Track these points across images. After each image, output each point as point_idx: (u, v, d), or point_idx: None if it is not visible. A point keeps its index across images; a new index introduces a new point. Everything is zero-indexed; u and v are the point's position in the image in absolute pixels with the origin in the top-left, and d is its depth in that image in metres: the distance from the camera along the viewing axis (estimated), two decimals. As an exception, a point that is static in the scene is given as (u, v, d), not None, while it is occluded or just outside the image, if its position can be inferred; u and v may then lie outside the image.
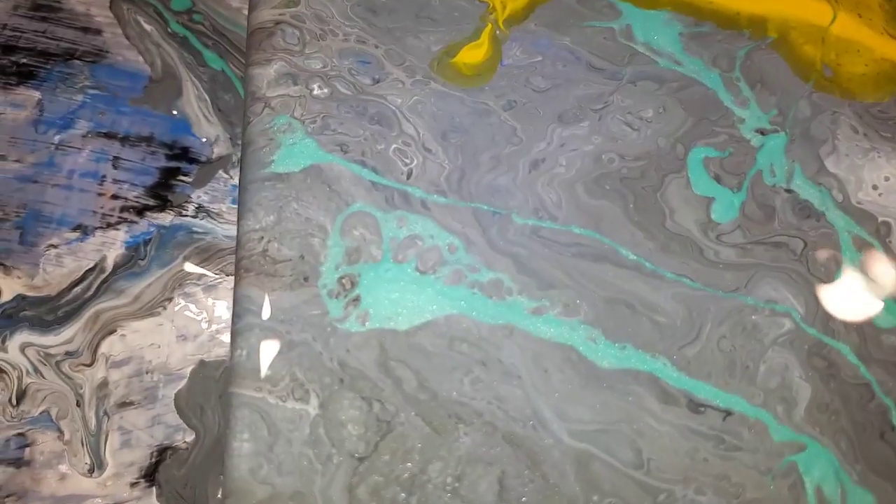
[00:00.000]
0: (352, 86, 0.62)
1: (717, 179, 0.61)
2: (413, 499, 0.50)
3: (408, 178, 0.59)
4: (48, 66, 0.75)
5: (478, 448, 0.51)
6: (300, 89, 0.61)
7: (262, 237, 0.56)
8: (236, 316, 0.54)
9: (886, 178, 0.62)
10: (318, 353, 0.53)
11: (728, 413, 0.54)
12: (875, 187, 0.62)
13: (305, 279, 0.55)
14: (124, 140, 0.73)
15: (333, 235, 0.56)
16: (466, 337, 0.54)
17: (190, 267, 0.68)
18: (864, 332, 0.57)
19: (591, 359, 0.54)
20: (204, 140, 0.74)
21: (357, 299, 0.54)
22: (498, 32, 0.66)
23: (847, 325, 0.57)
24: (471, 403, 0.53)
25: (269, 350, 0.52)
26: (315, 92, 0.61)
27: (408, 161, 0.60)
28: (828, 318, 0.57)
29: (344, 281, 0.55)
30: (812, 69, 0.66)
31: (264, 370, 0.52)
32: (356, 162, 0.59)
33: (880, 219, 0.61)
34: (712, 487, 0.52)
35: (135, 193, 0.71)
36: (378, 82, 0.62)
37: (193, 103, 0.76)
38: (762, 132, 0.63)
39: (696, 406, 0.54)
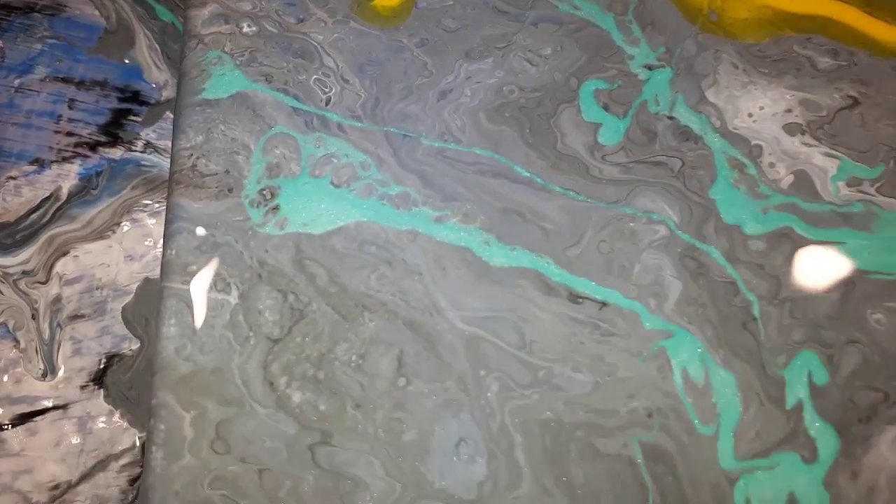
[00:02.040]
0: (278, 24, 0.69)
1: (606, 108, 0.68)
2: (321, 373, 0.57)
3: (326, 104, 0.66)
4: (10, 18, 0.81)
5: (380, 332, 0.59)
6: (231, 28, 0.68)
7: (192, 154, 0.63)
8: (168, 222, 0.61)
9: (761, 108, 0.70)
10: (240, 253, 0.60)
11: (604, 304, 0.61)
12: (750, 115, 0.69)
13: (230, 190, 0.62)
14: (80, 84, 0.80)
15: (256, 153, 0.63)
16: (375, 241, 0.61)
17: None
18: (732, 238, 0.64)
19: (484, 258, 0.62)
20: (153, 85, 0.81)
21: (276, 208, 0.62)
22: (415, -20, 0.73)
23: (718, 231, 0.64)
24: (376, 295, 0.60)
25: (196, 249, 0.60)
26: (244, 30, 0.69)
27: (327, 90, 0.67)
28: (700, 225, 0.64)
29: (265, 192, 0.62)
30: (699, 14, 0.74)
31: (192, 267, 0.59)
32: (279, 90, 0.66)
33: (753, 142, 0.68)
34: (587, 366, 0.59)
35: (88, 131, 0.78)
36: (302, 21, 0.70)
37: (145, 52, 0.83)
38: (649, 67, 0.71)
39: (575, 298, 0.61)
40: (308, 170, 0.63)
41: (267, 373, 0.56)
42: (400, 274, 0.60)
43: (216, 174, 0.62)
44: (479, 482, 0.55)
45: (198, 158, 0.63)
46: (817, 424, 0.58)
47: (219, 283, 0.59)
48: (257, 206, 0.61)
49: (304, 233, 0.61)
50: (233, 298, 0.58)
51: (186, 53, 0.66)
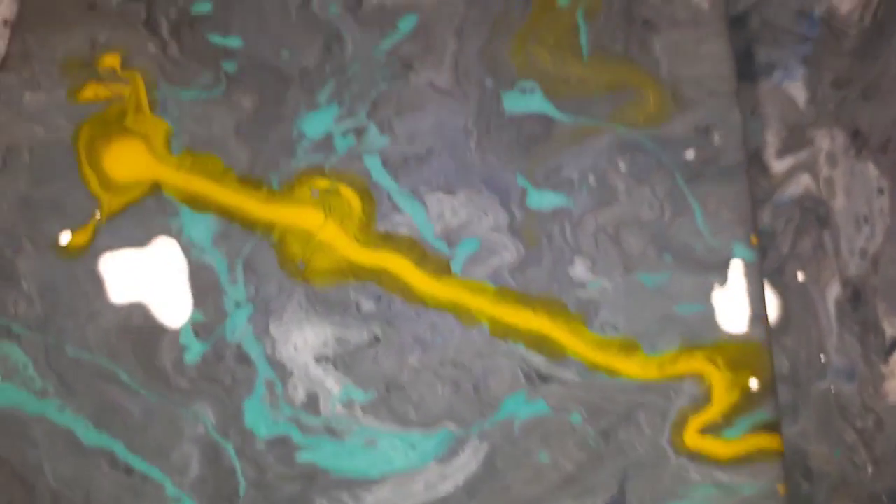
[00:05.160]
0: (-2, 257, 1.08)
1: (196, 334, 1.04)
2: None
3: (13, 317, 1.04)
4: None
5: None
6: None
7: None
8: None
9: (305, 341, 1.04)
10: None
11: (147, 476, 0.98)
12: (295, 346, 1.04)
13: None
14: None
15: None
16: (10, 415, 1.00)
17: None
18: (245, 437, 0.99)
19: (82, 439, 0.99)
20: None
21: (-39, 391, 1.01)
22: (99, 221, 1.10)
23: (237, 432, 1.00)
24: None
25: None
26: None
27: (16, 306, 1.05)
28: (228, 427, 1.00)
29: (-43, 380, 1.01)
30: (291, 262, 1.08)
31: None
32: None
33: (288, 367, 1.02)
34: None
35: None
36: (16, 252, 1.08)
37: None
38: (238, 304, 1.06)
39: (129, 471, 0.98)
40: (-12, 365, 1.01)
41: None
42: (26, 443, 0.99)
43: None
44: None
45: (-77, 352, 1.02)
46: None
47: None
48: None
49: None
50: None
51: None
